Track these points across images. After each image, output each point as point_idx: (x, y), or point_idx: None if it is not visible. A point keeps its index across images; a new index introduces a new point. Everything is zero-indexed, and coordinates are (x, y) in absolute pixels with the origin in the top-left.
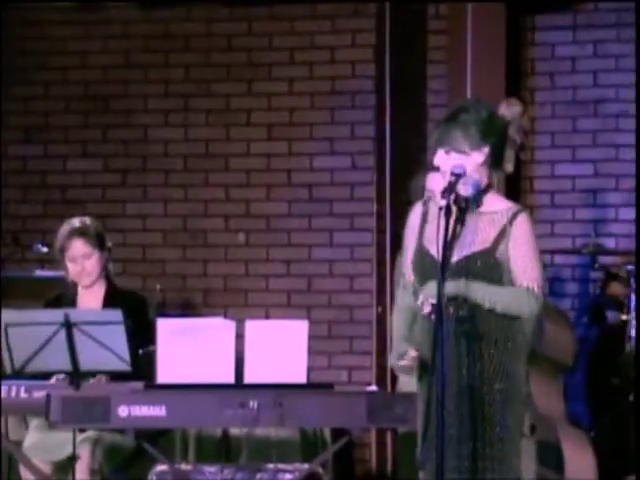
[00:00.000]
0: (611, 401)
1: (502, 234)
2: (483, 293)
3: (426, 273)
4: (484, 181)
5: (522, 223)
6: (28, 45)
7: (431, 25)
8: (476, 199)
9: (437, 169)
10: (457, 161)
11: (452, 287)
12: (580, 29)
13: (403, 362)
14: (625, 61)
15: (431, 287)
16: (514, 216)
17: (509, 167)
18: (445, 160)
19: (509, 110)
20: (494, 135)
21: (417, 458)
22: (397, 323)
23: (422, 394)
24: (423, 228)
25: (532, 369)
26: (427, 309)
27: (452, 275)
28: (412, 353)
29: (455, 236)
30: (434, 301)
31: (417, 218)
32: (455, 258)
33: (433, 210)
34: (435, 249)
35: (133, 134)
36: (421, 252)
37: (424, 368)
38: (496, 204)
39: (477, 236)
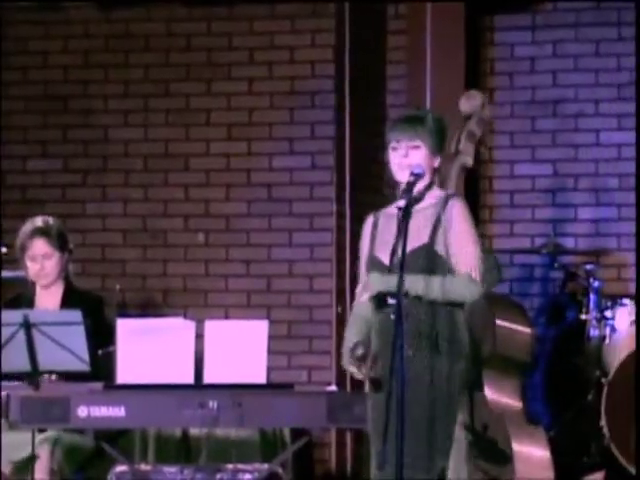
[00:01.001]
0: (570, 400)
1: (437, 224)
2: (424, 286)
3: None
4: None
5: (454, 208)
6: None
7: (390, 25)
8: (419, 198)
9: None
10: (417, 160)
11: (391, 282)
12: (539, 29)
13: (359, 352)
14: (584, 61)
15: (373, 278)
16: (445, 202)
17: (469, 160)
18: (413, 153)
19: (469, 103)
20: (443, 144)
21: (377, 458)
22: (347, 330)
23: (374, 395)
24: (373, 239)
25: (486, 367)
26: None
27: (394, 273)
28: (361, 346)
29: (400, 235)
30: (374, 291)
31: (368, 229)
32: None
33: (382, 220)
34: (384, 255)
35: (93, 134)
36: (372, 262)
37: (378, 378)
38: (429, 197)
39: (416, 232)
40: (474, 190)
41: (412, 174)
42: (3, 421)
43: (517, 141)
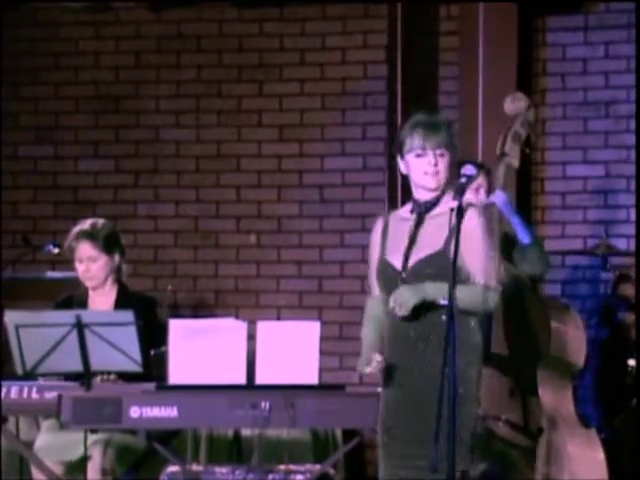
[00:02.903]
0: (622, 402)
1: (452, 233)
2: (442, 293)
3: (388, 283)
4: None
5: (471, 218)
6: (39, 46)
7: (442, 26)
8: (435, 202)
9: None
10: (444, 167)
11: (423, 290)
12: (591, 30)
13: (369, 369)
14: (636, 62)
15: (401, 293)
16: (462, 213)
17: (514, 162)
18: (440, 161)
19: (514, 104)
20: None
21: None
22: (366, 332)
23: (389, 399)
24: (384, 242)
25: (540, 370)
26: (402, 313)
27: (408, 279)
28: (377, 358)
29: (414, 240)
30: (408, 307)
31: (378, 232)
32: (411, 262)
33: (393, 223)
34: (397, 259)
35: (144, 135)
36: (383, 264)
37: (390, 374)
38: (448, 205)
39: (430, 239)
40: (526, 192)
41: (465, 176)
42: (49, 422)
43: (569, 142)
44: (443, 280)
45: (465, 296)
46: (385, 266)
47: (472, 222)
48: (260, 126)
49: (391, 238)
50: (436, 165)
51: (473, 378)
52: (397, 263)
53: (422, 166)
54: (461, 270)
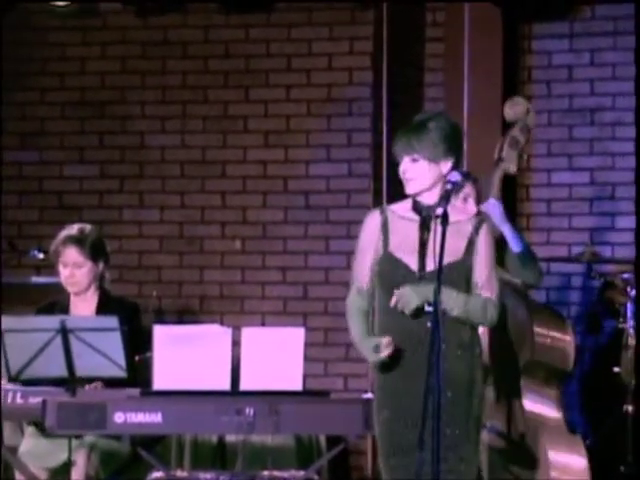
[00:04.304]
0: (607, 409)
1: (471, 244)
2: (453, 301)
3: (396, 281)
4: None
5: (487, 233)
6: (26, 51)
7: (428, 33)
8: (436, 207)
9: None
10: (415, 174)
11: (427, 292)
12: (577, 37)
13: (385, 352)
14: (622, 69)
15: (408, 293)
16: (480, 225)
17: (512, 167)
18: (411, 168)
19: (513, 110)
20: (458, 148)
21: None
22: (354, 327)
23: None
24: (387, 237)
25: (525, 376)
26: (407, 311)
27: (427, 283)
28: (385, 341)
29: (424, 244)
30: (412, 306)
31: (376, 226)
32: (431, 267)
33: (394, 220)
34: (410, 259)
35: (130, 140)
36: (390, 261)
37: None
38: (458, 213)
39: (450, 246)
40: (511, 198)
41: (450, 182)
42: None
43: (554, 149)
44: (457, 287)
45: (473, 307)
46: (393, 263)
47: (487, 237)
48: (246, 132)
49: (396, 235)
50: (405, 173)
51: (477, 383)
52: (412, 264)
53: (400, 173)
54: (468, 280)
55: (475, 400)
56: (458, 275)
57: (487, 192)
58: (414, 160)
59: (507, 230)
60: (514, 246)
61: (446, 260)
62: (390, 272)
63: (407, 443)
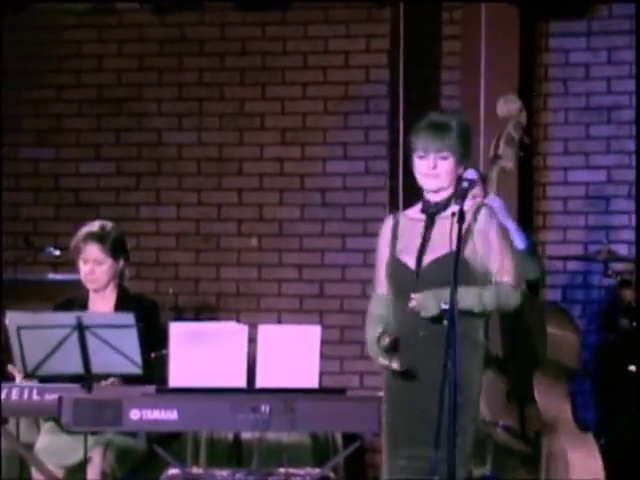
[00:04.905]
0: (621, 408)
1: (468, 232)
2: (470, 300)
3: (401, 283)
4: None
5: (486, 217)
6: (42, 48)
7: (445, 31)
8: (445, 205)
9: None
10: (445, 171)
11: (446, 296)
12: (594, 35)
13: (386, 341)
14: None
15: (426, 298)
16: (477, 211)
17: (508, 164)
18: (441, 164)
19: (506, 107)
20: (470, 149)
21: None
22: (368, 332)
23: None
24: (395, 241)
25: (536, 373)
26: (423, 315)
27: (423, 279)
28: (387, 335)
29: (426, 240)
30: (433, 312)
31: (388, 231)
32: (425, 262)
33: (403, 223)
34: (410, 259)
35: (146, 137)
36: (395, 264)
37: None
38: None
39: (444, 239)
40: (528, 197)
41: (466, 180)
42: (49, 424)
43: (571, 148)
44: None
45: (493, 298)
46: (397, 265)
47: (486, 222)
48: (262, 129)
49: (403, 238)
50: (435, 168)
51: (476, 382)
52: (410, 263)
53: (422, 168)
54: (476, 272)
55: (474, 384)
56: (451, 268)
57: (486, 190)
58: (444, 158)
59: (510, 226)
60: (517, 243)
61: (438, 253)
62: (394, 274)
63: (409, 439)
